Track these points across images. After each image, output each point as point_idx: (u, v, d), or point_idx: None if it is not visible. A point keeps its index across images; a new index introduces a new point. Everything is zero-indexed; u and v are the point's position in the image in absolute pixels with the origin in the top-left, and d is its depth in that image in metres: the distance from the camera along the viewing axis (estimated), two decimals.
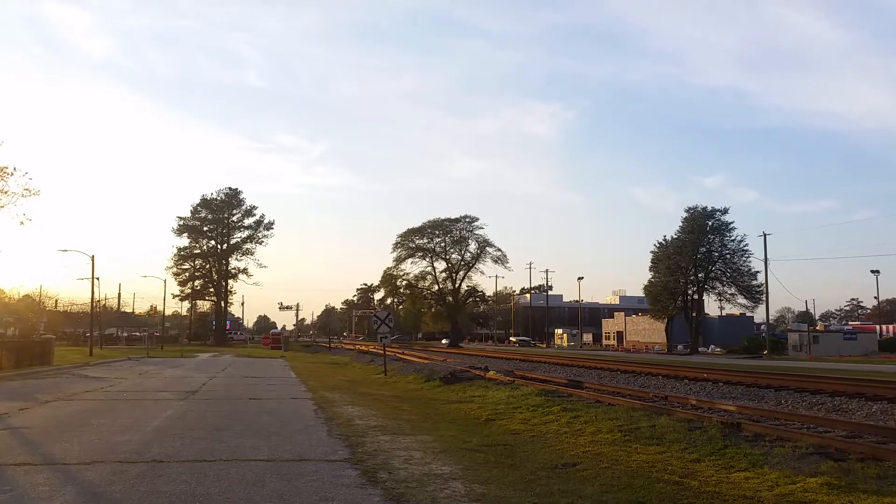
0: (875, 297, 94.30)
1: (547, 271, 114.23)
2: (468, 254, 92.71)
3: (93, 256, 50.62)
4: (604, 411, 13.26)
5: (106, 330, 72.18)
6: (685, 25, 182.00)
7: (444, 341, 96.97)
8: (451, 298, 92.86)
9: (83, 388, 19.73)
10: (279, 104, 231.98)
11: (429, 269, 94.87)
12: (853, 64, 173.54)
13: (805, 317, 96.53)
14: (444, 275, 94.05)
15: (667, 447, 9.66)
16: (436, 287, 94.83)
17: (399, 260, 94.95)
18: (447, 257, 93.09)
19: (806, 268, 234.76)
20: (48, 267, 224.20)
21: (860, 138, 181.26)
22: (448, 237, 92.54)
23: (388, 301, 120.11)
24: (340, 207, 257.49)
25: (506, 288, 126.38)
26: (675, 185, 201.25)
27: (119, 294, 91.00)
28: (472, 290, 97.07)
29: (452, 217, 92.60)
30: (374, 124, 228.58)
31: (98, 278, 53.39)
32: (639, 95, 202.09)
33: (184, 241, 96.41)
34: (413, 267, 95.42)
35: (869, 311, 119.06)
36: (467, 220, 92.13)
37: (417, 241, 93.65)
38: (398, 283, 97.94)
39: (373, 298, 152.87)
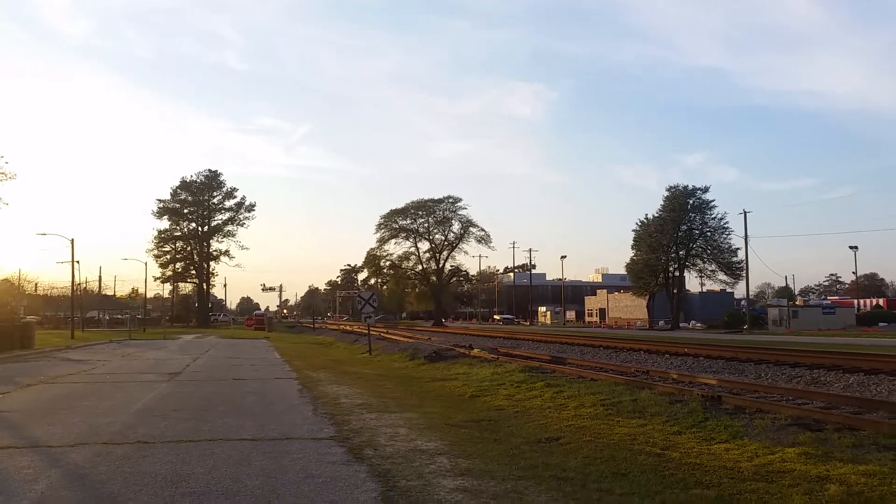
0: (853, 273, 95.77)
1: (530, 250, 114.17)
2: (452, 234, 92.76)
3: (73, 240, 50.13)
4: (586, 386, 13.40)
5: (87, 313, 71.55)
6: (670, 5, 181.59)
7: (432, 320, 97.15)
8: (434, 278, 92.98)
9: (65, 371, 19.60)
10: (261, 85, 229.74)
11: (412, 249, 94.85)
12: (835, 44, 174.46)
13: (785, 292, 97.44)
14: (427, 255, 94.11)
15: (648, 420, 9.80)
16: (419, 267, 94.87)
17: (382, 241, 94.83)
18: (431, 238, 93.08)
19: (786, 244, 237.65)
20: (27, 251, 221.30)
21: (841, 117, 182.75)
22: (431, 218, 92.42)
23: (372, 281, 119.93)
24: (324, 189, 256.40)
25: (489, 267, 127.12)
26: (659, 164, 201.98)
27: (100, 277, 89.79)
28: (456, 270, 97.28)
29: (436, 197, 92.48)
30: (358, 105, 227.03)
31: (78, 261, 52.90)
32: (623, 75, 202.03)
33: (164, 223, 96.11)
34: (397, 247, 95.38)
35: (847, 285, 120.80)
36: (451, 200, 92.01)
37: (401, 222, 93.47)
38: (382, 264, 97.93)
39: (356, 279, 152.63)
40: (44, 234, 52.40)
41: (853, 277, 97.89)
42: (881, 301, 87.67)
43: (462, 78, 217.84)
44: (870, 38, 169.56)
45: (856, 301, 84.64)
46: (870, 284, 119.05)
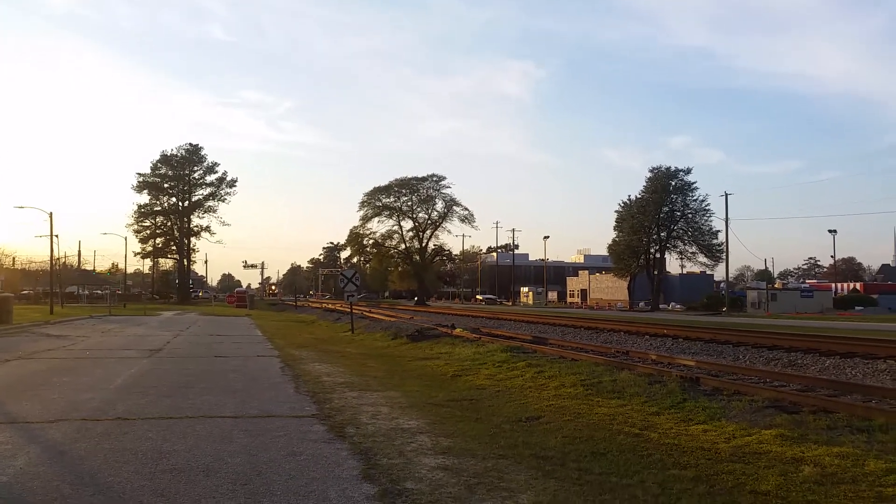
0: (832, 256, 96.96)
1: (514, 230, 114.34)
2: (435, 213, 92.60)
3: (51, 213, 49.36)
4: (567, 366, 13.50)
5: (67, 288, 70.82)
6: None
7: (415, 299, 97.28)
8: (418, 257, 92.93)
9: (44, 347, 19.43)
10: (246, 59, 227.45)
11: (396, 227, 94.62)
12: (822, 27, 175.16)
13: (764, 275, 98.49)
14: (411, 234, 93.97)
15: (628, 401, 9.90)
16: (403, 246, 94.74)
17: (366, 219, 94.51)
18: (414, 216, 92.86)
19: (766, 227, 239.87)
20: (4, 224, 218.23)
21: (827, 101, 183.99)
22: (415, 196, 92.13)
23: (355, 260, 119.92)
24: (307, 165, 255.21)
25: (473, 247, 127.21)
26: (644, 145, 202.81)
27: (79, 251, 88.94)
28: (439, 249, 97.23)
29: (419, 176, 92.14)
30: (344, 81, 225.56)
31: (57, 235, 52.13)
32: (611, 55, 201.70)
33: (144, 197, 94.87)
34: (380, 226, 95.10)
35: (825, 269, 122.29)
36: (434, 178, 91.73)
37: (384, 200, 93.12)
38: (365, 242, 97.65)
39: (339, 257, 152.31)
40: (21, 208, 51.27)
41: (832, 261, 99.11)
42: (858, 285, 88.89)
43: (450, 56, 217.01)
44: (857, 22, 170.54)
45: (833, 284, 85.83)
46: (848, 268, 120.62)
